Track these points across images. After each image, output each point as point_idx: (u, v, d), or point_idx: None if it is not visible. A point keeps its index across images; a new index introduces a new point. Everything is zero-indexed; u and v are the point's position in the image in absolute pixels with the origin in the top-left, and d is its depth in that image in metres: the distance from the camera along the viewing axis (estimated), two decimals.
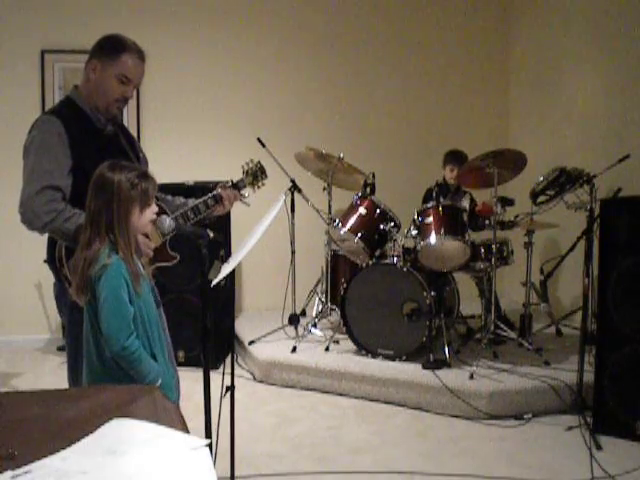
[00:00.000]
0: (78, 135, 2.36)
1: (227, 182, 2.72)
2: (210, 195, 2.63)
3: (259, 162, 2.82)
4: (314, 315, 4.72)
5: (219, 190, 2.66)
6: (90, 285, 2.03)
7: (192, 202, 2.62)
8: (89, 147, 2.37)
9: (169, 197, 2.69)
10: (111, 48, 2.41)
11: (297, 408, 3.89)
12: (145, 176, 2.11)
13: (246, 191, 2.78)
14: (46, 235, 2.40)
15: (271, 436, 3.50)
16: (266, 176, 2.83)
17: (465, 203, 4.59)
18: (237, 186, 2.73)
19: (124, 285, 2.02)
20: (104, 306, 2.00)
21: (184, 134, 5.44)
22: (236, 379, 2.52)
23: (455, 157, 4.75)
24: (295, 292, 4.70)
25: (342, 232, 4.29)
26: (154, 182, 2.15)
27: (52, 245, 2.38)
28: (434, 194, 4.43)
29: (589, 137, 4.86)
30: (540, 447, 3.34)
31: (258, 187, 2.83)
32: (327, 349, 4.30)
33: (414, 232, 4.14)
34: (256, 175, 2.79)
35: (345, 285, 4.28)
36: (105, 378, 2.06)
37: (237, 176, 2.78)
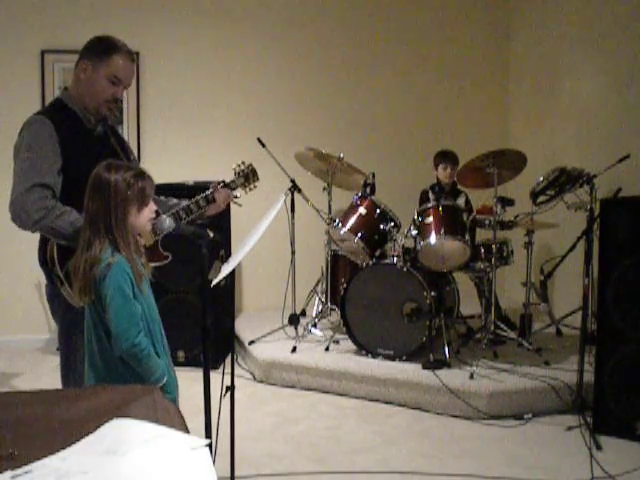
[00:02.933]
0: (68, 135, 2.36)
1: (219, 182, 2.74)
2: (202, 195, 2.64)
3: (251, 164, 2.84)
4: (314, 315, 4.72)
5: (211, 190, 2.67)
6: (94, 286, 2.03)
7: (185, 203, 2.63)
8: (79, 147, 2.37)
9: (162, 198, 2.69)
10: (101, 49, 2.43)
11: (297, 408, 3.88)
12: (141, 175, 2.11)
13: (238, 192, 2.80)
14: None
15: (271, 436, 3.50)
16: (257, 178, 2.85)
17: (460, 203, 4.59)
18: (229, 186, 2.75)
19: (129, 283, 2.03)
20: (112, 305, 2.00)
21: (184, 134, 5.44)
22: (236, 379, 2.52)
23: (446, 156, 4.77)
24: (295, 292, 4.69)
25: (342, 232, 4.29)
26: (151, 181, 2.15)
27: (43, 245, 2.38)
28: (431, 195, 4.43)
29: (589, 137, 4.86)
30: (540, 447, 3.34)
31: (250, 189, 2.85)
32: (327, 349, 4.30)
33: (414, 232, 4.14)
34: (248, 177, 2.81)
35: (345, 285, 4.28)
36: (109, 378, 2.07)
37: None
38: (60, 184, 2.32)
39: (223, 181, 2.76)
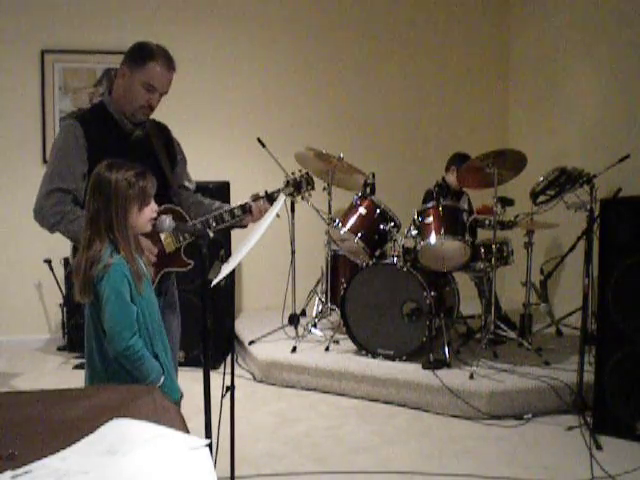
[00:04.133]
0: (99, 139, 2.41)
1: (259, 193, 2.64)
2: (238, 205, 2.58)
3: (307, 172, 2.74)
4: (314, 315, 4.72)
5: (249, 200, 2.60)
6: (92, 285, 2.03)
7: (227, 207, 2.58)
8: (109, 151, 2.35)
9: (207, 200, 2.68)
10: (139, 55, 2.46)
11: (297, 408, 3.88)
12: (143, 175, 2.10)
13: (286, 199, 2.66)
14: (53, 235, 2.46)
15: (271, 436, 3.50)
16: (313, 187, 2.72)
17: (464, 205, 4.58)
18: (271, 197, 2.63)
19: (126, 284, 2.03)
20: (107, 305, 2.00)
21: (184, 134, 5.38)
22: (236, 379, 2.51)
23: (464, 162, 4.63)
24: (295, 292, 4.69)
25: (342, 232, 4.29)
26: (152, 180, 2.15)
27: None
28: (435, 194, 4.42)
29: (589, 137, 4.86)
30: (540, 447, 3.34)
31: (302, 198, 2.74)
32: (327, 349, 4.30)
33: (414, 232, 4.14)
34: (300, 186, 2.69)
35: (345, 285, 4.28)
36: (107, 378, 2.07)
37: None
38: (83, 189, 2.35)
39: (265, 191, 2.65)
